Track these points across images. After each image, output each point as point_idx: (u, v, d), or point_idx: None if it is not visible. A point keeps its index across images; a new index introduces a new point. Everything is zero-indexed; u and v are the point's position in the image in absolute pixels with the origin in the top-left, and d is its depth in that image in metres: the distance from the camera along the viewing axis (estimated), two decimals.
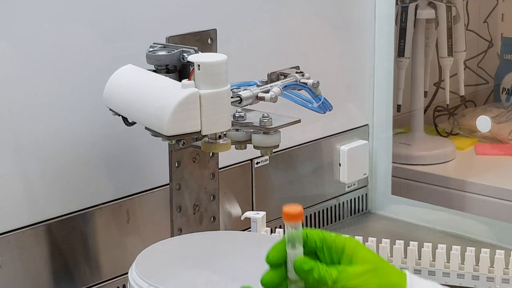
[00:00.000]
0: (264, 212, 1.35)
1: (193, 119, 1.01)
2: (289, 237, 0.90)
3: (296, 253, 0.90)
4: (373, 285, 0.90)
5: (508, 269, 1.33)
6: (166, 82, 1.06)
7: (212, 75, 1.01)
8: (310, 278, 0.90)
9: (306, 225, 1.60)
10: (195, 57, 1.04)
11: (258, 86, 1.14)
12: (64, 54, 1.20)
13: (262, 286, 0.91)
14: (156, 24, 1.29)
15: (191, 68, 1.06)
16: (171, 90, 1.02)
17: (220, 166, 1.29)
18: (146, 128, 1.07)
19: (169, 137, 1.02)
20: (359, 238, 1.38)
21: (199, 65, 1.02)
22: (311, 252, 0.92)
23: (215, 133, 1.06)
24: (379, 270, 0.91)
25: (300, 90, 1.18)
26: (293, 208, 0.89)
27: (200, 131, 1.02)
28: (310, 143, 1.60)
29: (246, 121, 1.11)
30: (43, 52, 1.18)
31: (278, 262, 0.90)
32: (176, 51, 1.13)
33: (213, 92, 1.01)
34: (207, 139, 1.08)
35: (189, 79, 1.03)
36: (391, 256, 1.38)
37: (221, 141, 1.08)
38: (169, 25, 1.30)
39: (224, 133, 1.08)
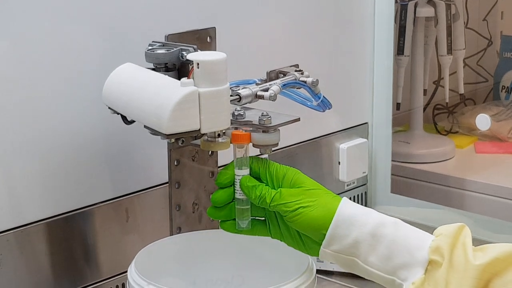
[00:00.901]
0: None
1: (192, 117, 1.00)
2: (237, 160, 1.04)
3: (243, 174, 1.03)
4: (306, 204, 0.98)
5: None
6: (165, 80, 1.06)
7: (211, 73, 1.01)
8: (253, 194, 1.01)
9: None
10: (194, 56, 1.03)
11: (257, 84, 1.14)
12: (62, 53, 1.20)
13: (212, 203, 1.04)
14: (155, 22, 1.29)
15: (190, 67, 1.06)
16: (170, 88, 1.02)
17: (219, 165, 1.29)
18: (145, 126, 1.06)
19: (168, 136, 1.02)
20: None
21: (198, 64, 1.01)
22: (256, 178, 1.04)
23: (214, 132, 1.06)
24: (314, 191, 1.00)
25: (299, 88, 1.18)
26: (241, 132, 1.04)
27: (199, 130, 1.02)
28: (309, 141, 1.60)
29: (245, 119, 1.11)
30: (41, 50, 1.18)
31: (225, 183, 1.04)
32: (175, 49, 1.13)
33: (212, 90, 1.01)
34: (206, 137, 1.08)
35: (188, 78, 1.03)
36: None
37: (220, 139, 1.07)
38: (168, 23, 1.30)
39: (223, 131, 1.08)
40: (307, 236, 1.00)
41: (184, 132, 1.01)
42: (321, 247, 0.98)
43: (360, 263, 0.97)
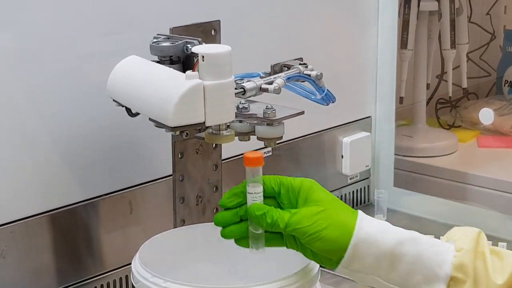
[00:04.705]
0: None
1: (197, 110, 1.01)
2: (249, 182, 0.97)
3: (256, 192, 0.97)
4: (322, 226, 0.94)
5: None
6: (170, 73, 1.06)
7: (216, 66, 1.01)
8: (263, 223, 0.96)
9: None
10: (199, 48, 1.04)
11: (261, 77, 1.14)
12: (67, 46, 1.20)
13: (215, 224, 1.00)
14: (159, 15, 1.29)
15: (195, 59, 1.06)
16: (175, 81, 1.02)
17: (223, 157, 1.30)
18: (149, 119, 1.07)
19: (173, 128, 1.02)
20: None
21: (203, 56, 1.02)
22: (272, 197, 0.99)
23: (219, 125, 1.06)
24: (330, 210, 0.96)
25: (304, 81, 1.18)
26: (254, 154, 0.96)
27: (204, 122, 1.02)
28: (313, 134, 1.60)
29: (249, 112, 1.11)
30: (46, 44, 1.18)
31: (230, 205, 0.99)
32: (180, 42, 1.13)
33: (217, 83, 1.01)
34: (210, 130, 1.08)
35: (193, 70, 1.03)
36: None
37: (224, 132, 1.08)
38: (172, 16, 1.30)
39: (228, 124, 1.08)
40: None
41: (188, 125, 1.02)
42: (340, 265, 0.96)
43: (380, 280, 0.96)
